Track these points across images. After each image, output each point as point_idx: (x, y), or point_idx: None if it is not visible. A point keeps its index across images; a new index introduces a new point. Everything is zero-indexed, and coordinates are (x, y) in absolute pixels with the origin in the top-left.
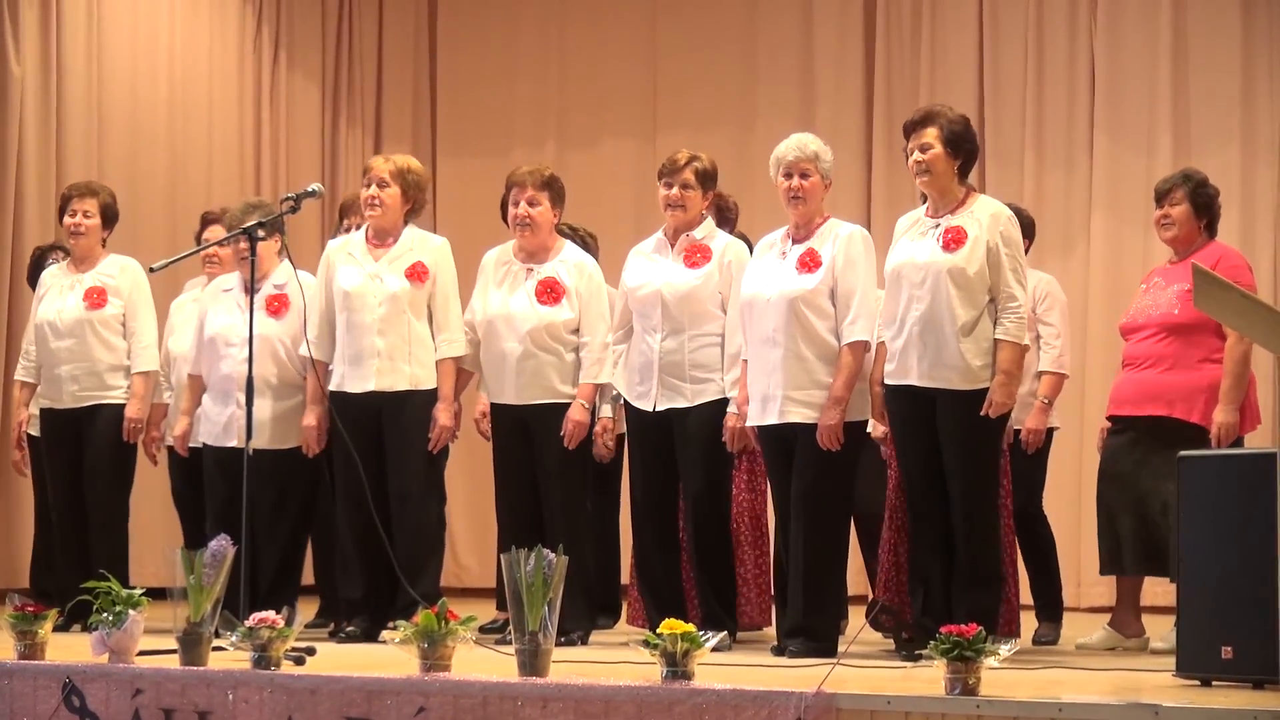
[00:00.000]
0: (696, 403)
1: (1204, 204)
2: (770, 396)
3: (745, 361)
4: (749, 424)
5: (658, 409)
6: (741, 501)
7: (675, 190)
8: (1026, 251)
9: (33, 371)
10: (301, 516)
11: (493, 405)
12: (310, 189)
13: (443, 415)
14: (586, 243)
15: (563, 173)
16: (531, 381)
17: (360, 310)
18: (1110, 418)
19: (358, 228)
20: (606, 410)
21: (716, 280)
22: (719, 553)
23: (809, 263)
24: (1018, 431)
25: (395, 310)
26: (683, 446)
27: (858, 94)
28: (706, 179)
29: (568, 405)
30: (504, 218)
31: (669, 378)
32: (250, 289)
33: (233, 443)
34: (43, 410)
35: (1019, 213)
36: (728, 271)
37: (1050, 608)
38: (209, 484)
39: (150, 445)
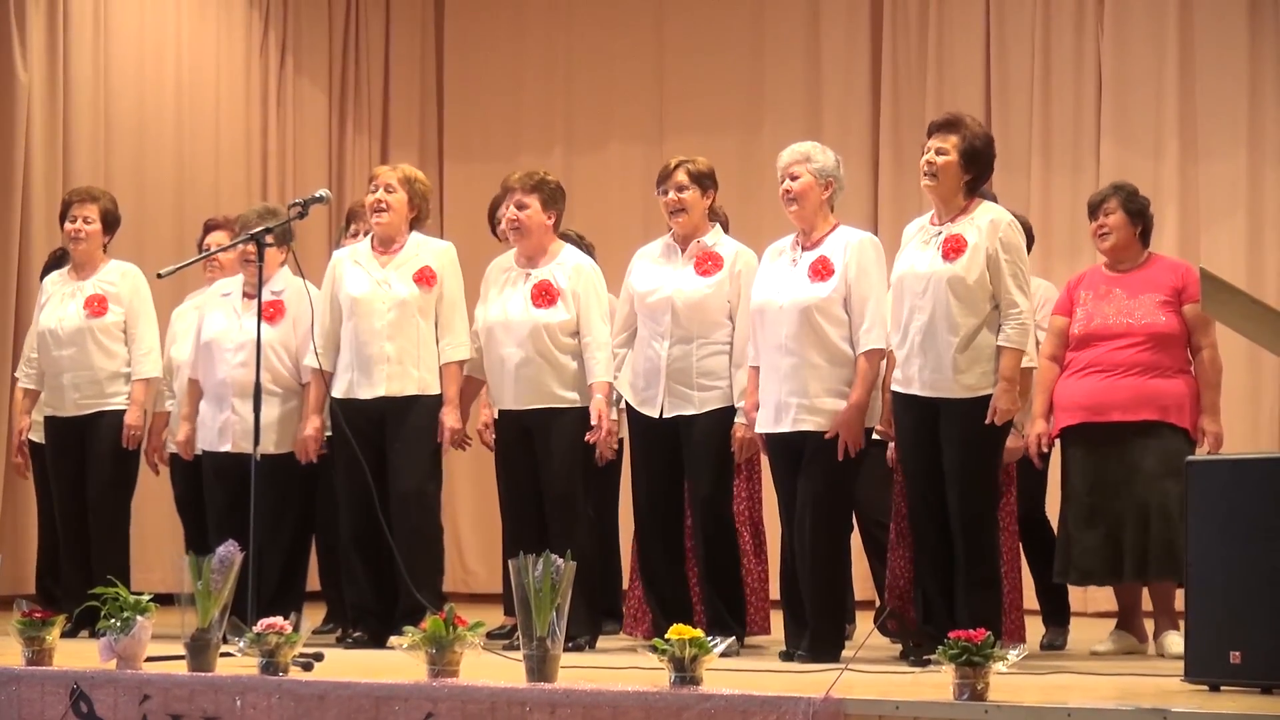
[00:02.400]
0: (704, 410)
1: (1137, 212)
2: (783, 404)
3: (754, 369)
4: (759, 430)
5: (665, 415)
6: (741, 510)
7: (671, 195)
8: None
9: (35, 378)
10: (302, 521)
11: (497, 412)
12: (318, 195)
13: (449, 418)
14: (580, 244)
15: (570, 177)
16: (531, 387)
17: (369, 316)
18: (1085, 425)
19: (365, 234)
20: (611, 412)
21: (727, 289)
22: (727, 559)
23: (821, 270)
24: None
25: (405, 315)
26: (690, 453)
27: (865, 99)
28: (701, 178)
29: (568, 410)
30: (492, 228)
31: (676, 385)
32: (258, 294)
33: (227, 447)
34: (46, 418)
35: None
36: (738, 281)
37: (1057, 613)
38: (208, 490)
39: (152, 454)
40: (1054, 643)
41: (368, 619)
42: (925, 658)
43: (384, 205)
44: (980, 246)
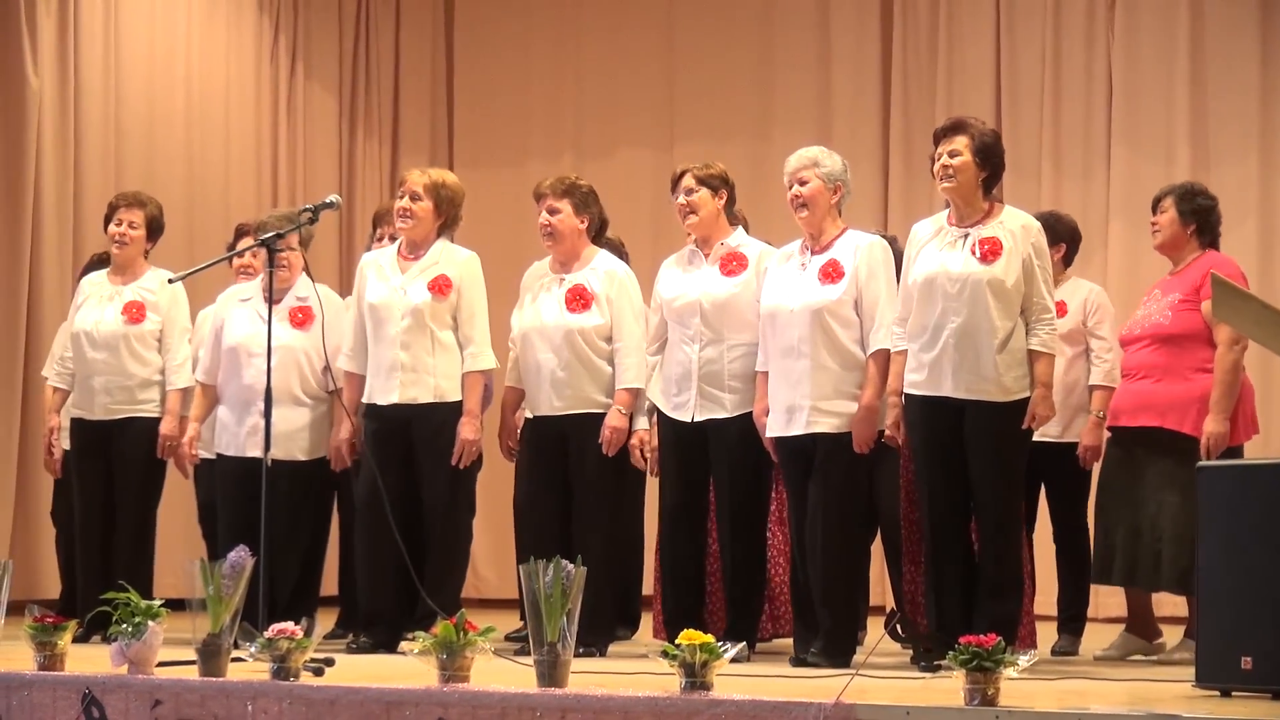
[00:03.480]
0: (736, 414)
1: (1191, 211)
2: (796, 407)
3: (762, 375)
4: (769, 435)
5: (696, 420)
6: (772, 510)
7: (681, 199)
8: (1072, 258)
9: (67, 378)
10: (319, 528)
11: (532, 418)
12: (328, 200)
13: (466, 429)
14: (618, 250)
15: None
16: (567, 392)
17: (385, 323)
18: (1109, 428)
19: (391, 238)
20: (643, 422)
21: (754, 288)
22: (754, 565)
23: (831, 273)
24: (1070, 445)
25: (417, 323)
26: (722, 458)
27: (875, 105)
28: (710, 180)
29: (605, 415)
30: None
31: (708, 388)
32: (269, 298)
33: (255, 453)
34: (74, 420)
35: (1062, 219)
36: (764, 280)
37: (1074, 620)
38: (224, 493)
39: (182, 459)
40: (1065, 649)
41: (379, 625)
42: (936, 663)
43: (408, 213)
44: (1016, 251)
